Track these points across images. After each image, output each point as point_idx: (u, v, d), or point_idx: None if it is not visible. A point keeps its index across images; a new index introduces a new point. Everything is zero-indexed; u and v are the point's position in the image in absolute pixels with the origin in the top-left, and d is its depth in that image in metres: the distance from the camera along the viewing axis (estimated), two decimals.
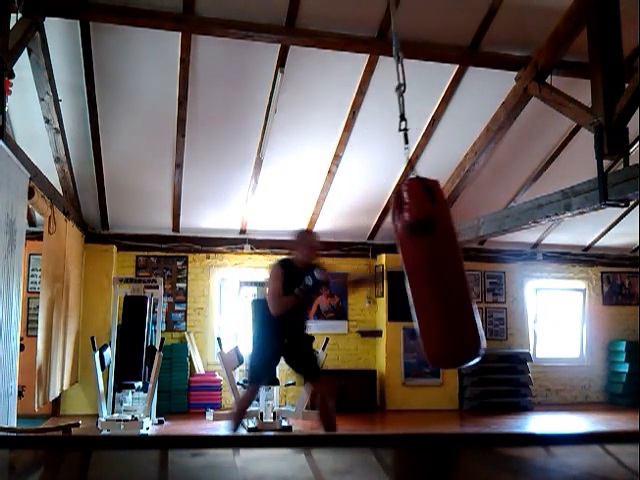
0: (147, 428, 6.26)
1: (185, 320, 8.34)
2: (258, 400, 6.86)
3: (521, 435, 1.68)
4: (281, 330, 4.81)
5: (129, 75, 5.73)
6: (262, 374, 5.03)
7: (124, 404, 6.73)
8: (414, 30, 5.38)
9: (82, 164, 6.70)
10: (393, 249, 9.64)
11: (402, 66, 3.17)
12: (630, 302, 9.75)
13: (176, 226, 8.14)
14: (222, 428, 6.88)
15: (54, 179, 6.27)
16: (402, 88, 3.20)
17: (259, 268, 8.52)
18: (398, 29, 5.29)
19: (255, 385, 5.06)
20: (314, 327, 8.51)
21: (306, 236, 4.87)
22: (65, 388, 6.74)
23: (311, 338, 5.09)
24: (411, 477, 1.26)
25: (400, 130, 3.17)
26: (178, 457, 1.22)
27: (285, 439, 1.40)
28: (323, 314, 8.61)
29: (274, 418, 6.61)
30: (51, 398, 6.01)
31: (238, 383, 6.80)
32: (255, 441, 1.34)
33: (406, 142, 3.21)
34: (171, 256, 8.37)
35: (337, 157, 6.93)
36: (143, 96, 5.98)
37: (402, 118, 3.19)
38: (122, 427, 6.04)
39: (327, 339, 6.96)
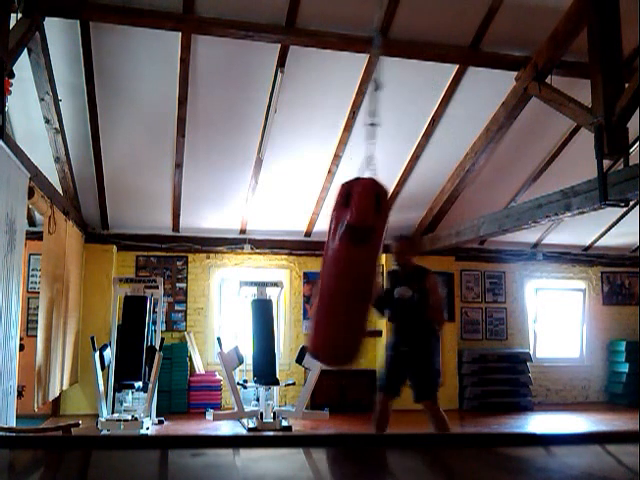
0: (147, 428, 6.26)
1: (185, 320, 8.34)
2: (258, 400, 6.86)
3: (521, 435, 1.68)
4: (398, 338, 4.70)
5: (129, 75, 5.72)
6: (383, 381, 4.71)
7: (124, 404, 6.74)
8: (414, 30, 5.39)
9: (82, 164, 6.70)
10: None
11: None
12: (630, 302, 9.75)
13: (176, 226, 8.14)
14: (222, 428, 6.89)
15: (54, 179, 6.27)
16: (379, 86, 3.25)
17: (259, 268, 8.53)
18: (398, 29, 5.33)
19: (382, 394, 4.68)
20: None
21: (392, 242, 4.75)
22: (65, 388, 6.75)
23: (432, 351, 4.68)
24: (412, 477, 1.26)
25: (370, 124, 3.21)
26: (178, 457, 1.22)
27: (285, 439, 1.40)
28: None
29: (274, 418, 6.61)
30: (51, 398, 6.01)
31: (238, 383, 6.80)
32: (255, 441, 1.34)
33: (370, 138, 3.25)
34: (171, 256, 8.37)
35: (337, 157, 6.93)
36: (143, 96, 5.98)
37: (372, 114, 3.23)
38: (122, 427, 6.04)
39: None
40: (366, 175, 3.07)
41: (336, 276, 2.97)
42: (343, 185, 3.03)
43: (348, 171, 7.18)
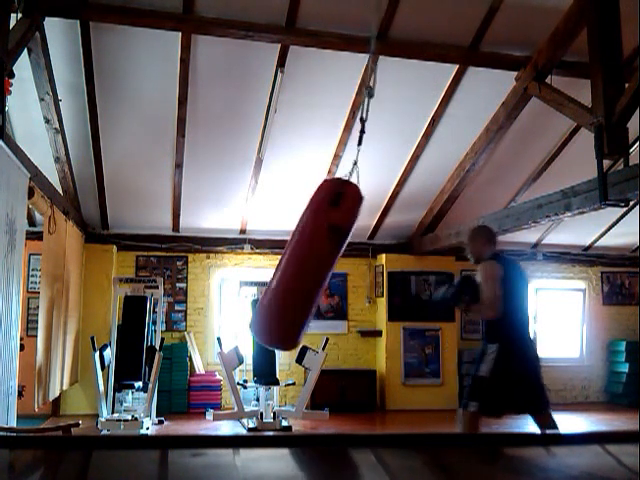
0: (147, 428, 6.26)
1: (185, 320, 8.34)
2: (258, 400, 6.86)
3: (521, 435, 1.68)
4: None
5: (129, 75, 5.72)
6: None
7: (124, 404, 6.74)
8: (414, 30, 5.39)
9: (82, 164, 6.70)
10: (393, 249, 9.65)
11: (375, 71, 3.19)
12: (630, 302, 9.74)
13: (176, 226, 8.14)
14: (222, 428, 6.89)
15: (54, 179, 6.27)
16: (371, 91, 3.21)
17: (259, 268, 8.53)
18: (398, 29, 5.33)
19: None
20: (314, 327, 8.53)
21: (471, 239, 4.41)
22: (65, 388, 6.74)
23: (481, 355, 4.06)
24: (411, 477, 1.26)
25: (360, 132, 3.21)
26: (178, 457, 1.22)
27: (285, 439, 1.40)
28: (323, 314, 8.61)
29: (274, 418, 6.61)
30: (51, 398, 6.01)
31: (238, 383, 6.80)
32: (255, 441, 1.34)
33: (359, 144, 3.24)
34: (171, 256, 8.37)
35: (337, 157, 6.93)
36: (143, 96, 5.98)
37: (363, 120, 3.21)
38: (122, 427, 6.04)
39: (327, 339, 6.97)
40: (352, 179, 3.08)
41: (312, 272, 3.00)
42: (332, 183, 3.05)
43: (348, 171, 7.20)
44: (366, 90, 3.14)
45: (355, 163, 3.18)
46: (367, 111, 3.15)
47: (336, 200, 2.88)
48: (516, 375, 3.92)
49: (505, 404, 3.97)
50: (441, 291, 4.36)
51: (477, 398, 3.87)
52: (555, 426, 3.98)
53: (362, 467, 1.28)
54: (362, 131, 3.21)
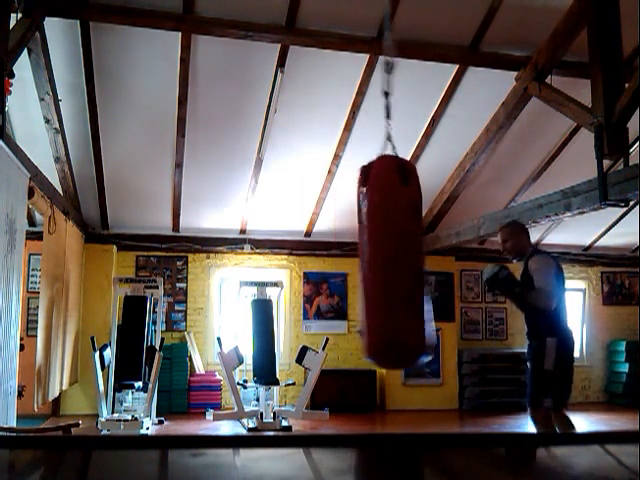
0: (147, 428, 6.26)
1: (185, 320, 8.34)
2: (258, 400, 6.86)
3: (521, 435, 1.68)
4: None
5: (129, 75, 5.73)
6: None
7: (124, 404, 6.74)
8: (414, 30, 5.39)
9: (82, 164, 6.70)
10: None
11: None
12: (630, 302, 9.74)
13: (176, 226, 8.14)
14: (222, 428, 6.89)
15: (54, 179, 6.27)
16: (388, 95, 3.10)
17: (259, 268, 8.53)
18: (398, 29, 5.33)
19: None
20: (314, 327, 8.55)
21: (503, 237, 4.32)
22: (65, 388, 6.74)
23: (535, 353, 3.99)
24: (411, 477, 1.26)
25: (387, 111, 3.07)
26: (178, 457, 1.21)
27: (285, 439, 1.40)
28: (323, 314, 8.61)
29: (274, 418, 6.60)
30: (51, 398, 6.01)
31: (238, 383, 6.80)
32: (255, 441, 1.34)
33: (387, 117, 3.10)
34: (171, 256, 8.37)
35: (337, 157, 6.93)
36: (143, 96, 5.98)
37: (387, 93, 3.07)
38: (122, 427, 6.04)
39: (327, 339, 6.97)
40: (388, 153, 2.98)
41: (408, 257, 2.75)
42: (394, 161, 2.87)
43: (348, 171, 7.21)
44: (387, 66, 3.04)
45: (388, 138, 3.07)
46: (388, 85, 3.04)
47: (404, 179, 2.76)
48: (570, 364, 3.99)
49: (568, 394, 4.06)
50: (493, 269, 4.02)
51: (550, 393, 3.88)
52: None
53: (362, 467, 1.28)
54: (387, 106, 3.08)
